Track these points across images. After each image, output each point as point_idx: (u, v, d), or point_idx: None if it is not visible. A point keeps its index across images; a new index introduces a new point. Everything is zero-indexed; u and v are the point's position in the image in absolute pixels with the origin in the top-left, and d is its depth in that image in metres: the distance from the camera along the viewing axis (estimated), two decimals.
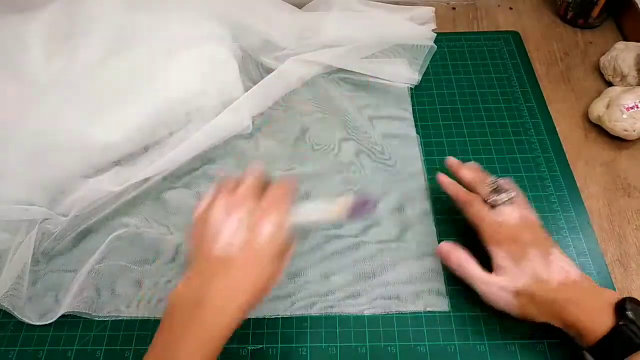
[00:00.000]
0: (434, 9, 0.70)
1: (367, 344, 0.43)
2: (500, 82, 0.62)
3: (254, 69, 0.62)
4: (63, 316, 0.44)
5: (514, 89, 0.61)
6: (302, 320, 0.44)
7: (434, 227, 0.49)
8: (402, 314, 0.44)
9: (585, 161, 0.55)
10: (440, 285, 0.46)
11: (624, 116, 0.51)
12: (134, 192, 0.51)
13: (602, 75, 0.62)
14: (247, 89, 0.57)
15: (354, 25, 0.64)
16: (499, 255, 0.40)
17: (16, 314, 0.43)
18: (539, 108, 0.59)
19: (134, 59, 0.55)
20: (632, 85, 0.57)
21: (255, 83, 0.58)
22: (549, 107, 0.59)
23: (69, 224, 0.48)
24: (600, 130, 0.57)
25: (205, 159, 0.55)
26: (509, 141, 0.56)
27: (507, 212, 0.41)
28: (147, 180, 0.51)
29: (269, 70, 0.60)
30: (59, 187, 0.50)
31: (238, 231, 0.36)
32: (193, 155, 0.53)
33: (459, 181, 0.46)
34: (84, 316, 0.44)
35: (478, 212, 0.42)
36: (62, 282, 0.46)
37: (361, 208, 0.41)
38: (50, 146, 0.49)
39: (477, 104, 0.60)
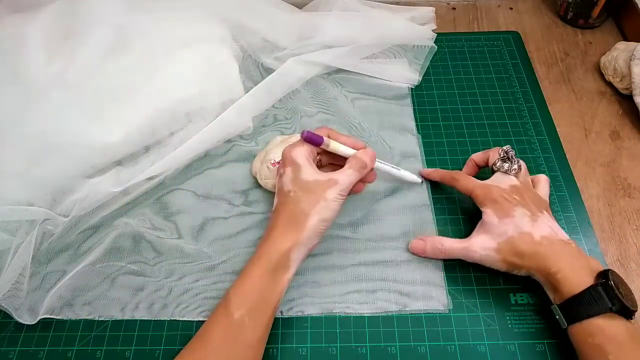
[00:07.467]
0: (434, 9, 0.70)
1: (367, 344, 0.43)
2: (500, 82, 0.62)
3: (254, 69, 0.62)
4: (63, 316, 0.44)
5: (514, 89, 0.61)
6: (302, 320, 0.44)
7: (435, 227, 0.49)
8: (402, 314, 0.44)
9: (585, 161, 0.55)
10: (440, 285, 0.45)
11: (274, 172, 0.49)
12: (134, 192, 0.51)
13: (602, 75, 0.62)
14: (247, 89, 0.57)
15: (354, 25, 0.64)
16: (486, 213, 0.42)
17: (15, 314, 0.43)
18: (539, 108, 0.59)
19: (134, 59, 0.55)
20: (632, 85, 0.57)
21: (255, 83, 0.58)
22: (549, 107, 0.59)
23: (68, 224, 0.48)
24: (600, 130, 0.57)
25: (206, 159, 0.55)
26: (509, 141, 0.56)
27: (500, 179, 0.44)
28: (148, 180, 0.51)
29: (269, 70, 0.60)
30: (59, 187, 0.50)
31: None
32: (194, 155, 0.53)
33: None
34: (84, 316, 0.44)
35: (467, 183, 0.45)
36: (62, 282, 0.46)
37: None
38: (50, 146, 0.49)
39: (477, 104, 0.60)
